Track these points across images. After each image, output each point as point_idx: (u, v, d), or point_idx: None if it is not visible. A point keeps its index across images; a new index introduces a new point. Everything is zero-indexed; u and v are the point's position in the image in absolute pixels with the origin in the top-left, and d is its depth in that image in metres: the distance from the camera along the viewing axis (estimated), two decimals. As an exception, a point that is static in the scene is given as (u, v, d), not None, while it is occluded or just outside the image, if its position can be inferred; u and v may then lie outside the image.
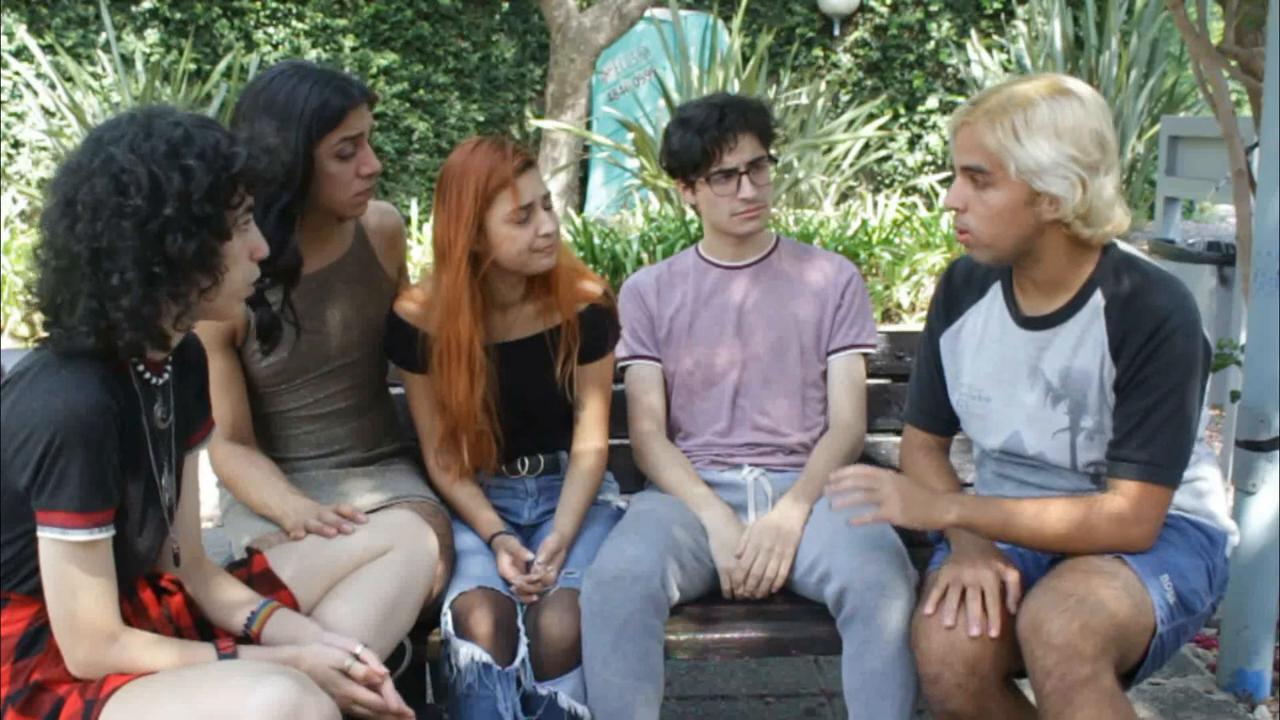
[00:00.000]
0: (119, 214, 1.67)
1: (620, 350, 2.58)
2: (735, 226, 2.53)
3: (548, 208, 2.35)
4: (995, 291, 2.22)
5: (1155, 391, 2.02)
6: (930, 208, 8.86)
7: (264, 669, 1.78)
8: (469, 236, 2.30)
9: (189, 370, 1.95)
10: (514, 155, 2.31)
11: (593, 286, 2.47)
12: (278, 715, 1.68)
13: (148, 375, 1.83)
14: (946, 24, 11.01)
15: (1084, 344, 2.09)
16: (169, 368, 1.88)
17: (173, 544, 1.95)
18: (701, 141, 2.46)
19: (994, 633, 2.00)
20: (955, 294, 2.28)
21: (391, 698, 1.94)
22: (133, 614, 1.86)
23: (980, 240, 2.08)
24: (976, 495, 2.18)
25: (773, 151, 2.56)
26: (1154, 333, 2.01)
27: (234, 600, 2.00)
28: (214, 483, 2.47)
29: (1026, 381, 2.15)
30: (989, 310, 2.22)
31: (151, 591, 1.92)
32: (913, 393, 2.39)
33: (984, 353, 2.21)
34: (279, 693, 1.70)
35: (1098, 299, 2.08)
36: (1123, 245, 2.12)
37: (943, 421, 2.33)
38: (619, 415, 2.60)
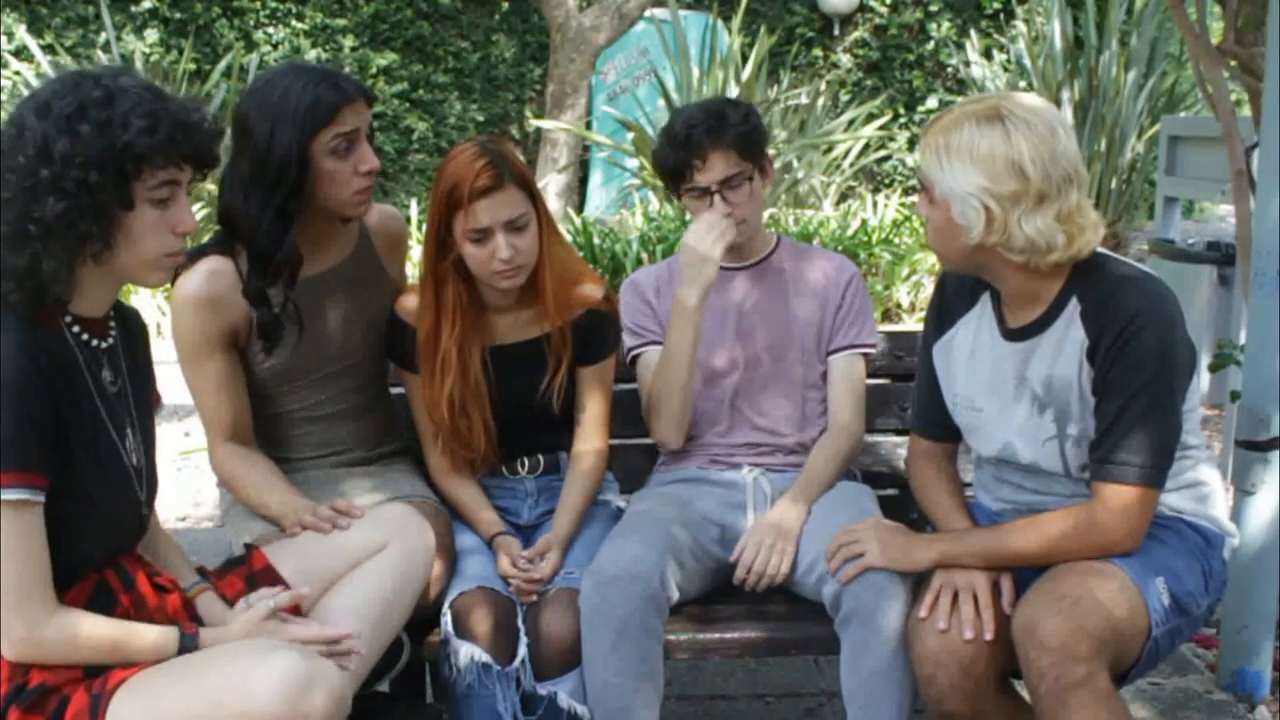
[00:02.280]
0: (10, 168, 1.71)
1: (628, 341, 2.58)
2: None
3: (518, 229, 2.26)
4: (985, 302, 2.20)
5: (1127, 390, 1.99)
6: (930, 207, 8.85)
7: (267, 646, 1.80)
8: (436, 234, 2.31)
9: (133, 339, 1.96)
10: (481, 174, 2.21)
11: (591, 291, 2.45)
12: (289, 689, 1.70)
13: (86, 337, 1.83)
14: (946, 24, 11.01)
15: (1063, 351, 2.07)
16: (113, 332, 1.89)
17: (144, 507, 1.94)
18: (674, 158, 2.46)
19: (988, 636, 2.00)
20: (948, 304, 2.27)
21: (328, 630, 1.94)
22: (131, 605, 1.86)
23: (934, 250, 2.12)
24: (957, 530, 2.18)
25: (771, 152, 2.55)
26: (1122, 331, 1.99)
27: (176, 565, 2.05)
28: (214, 483, 2.48)
29: (1015, 392, 2.14)
30: (979, 321, 2.21)
31: (150, 586, 1.92)
32: (915, 401, 2.39)
33: (975, 364, 2.20)
34: (287, 666, 1.72)
35: (1074, 305, 2.06)
36: (1100, 249, 2.09)
37: (946, 429, 2.32)
38: (619, 416, 2.59)
